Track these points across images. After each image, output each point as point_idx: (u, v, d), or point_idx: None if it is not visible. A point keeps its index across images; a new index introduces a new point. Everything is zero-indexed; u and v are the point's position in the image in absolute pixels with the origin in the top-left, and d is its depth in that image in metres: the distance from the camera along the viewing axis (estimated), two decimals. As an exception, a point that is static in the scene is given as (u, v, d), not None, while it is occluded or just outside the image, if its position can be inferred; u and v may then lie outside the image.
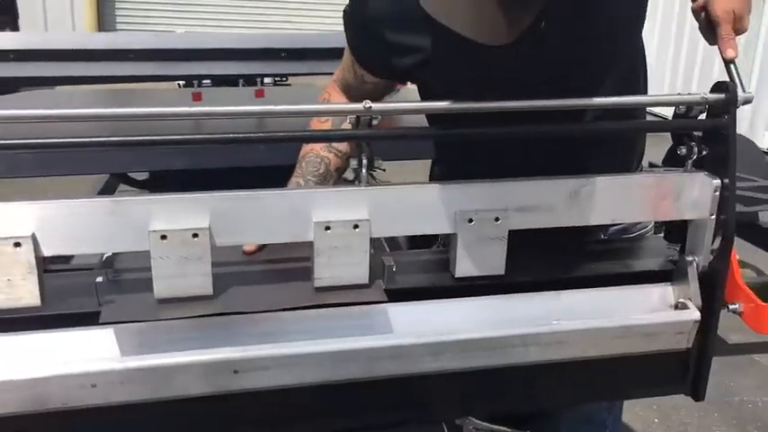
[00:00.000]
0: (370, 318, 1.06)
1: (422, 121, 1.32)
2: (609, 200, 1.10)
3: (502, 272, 1.10)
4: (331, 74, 1.48)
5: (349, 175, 1.21)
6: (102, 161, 1.81)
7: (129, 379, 0.97)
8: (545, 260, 1.20)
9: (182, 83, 4.17)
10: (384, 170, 1.20)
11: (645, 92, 1.40)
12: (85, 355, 0.97)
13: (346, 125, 1.08)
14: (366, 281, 1.06)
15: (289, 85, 5.60)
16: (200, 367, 0.99)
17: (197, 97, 2.59)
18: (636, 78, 1.37)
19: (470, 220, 1.07)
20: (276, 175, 1.67)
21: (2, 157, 1.55)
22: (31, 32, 7.43)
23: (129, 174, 2.45)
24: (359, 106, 1.01)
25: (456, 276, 1.09)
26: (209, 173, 1.68)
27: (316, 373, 1.03)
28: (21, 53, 2.22)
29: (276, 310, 1.03)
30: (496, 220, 1.07)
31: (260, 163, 1.58)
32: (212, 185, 1.63)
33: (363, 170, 1.03)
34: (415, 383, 1.08)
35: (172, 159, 1.75)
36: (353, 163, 1.04)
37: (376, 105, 1.01)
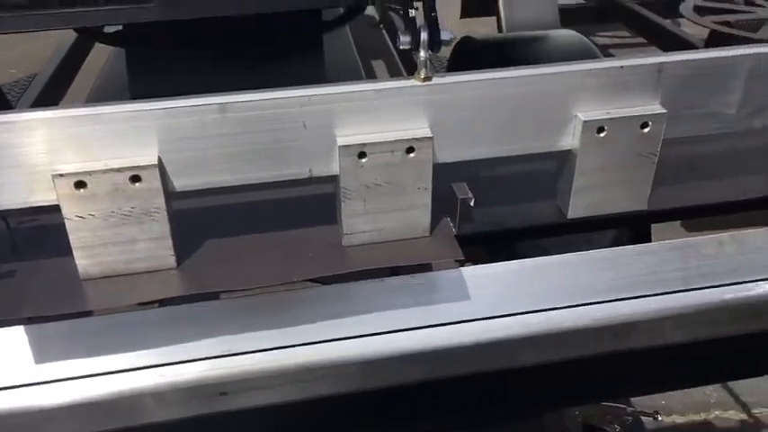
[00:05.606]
0: (434, 291, 0.66)
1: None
2: None
3: (645, 206, 0.69)
4: None
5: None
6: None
7: (58, 414, 0.59)
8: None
9: None
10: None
11: None
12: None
13: None
14: (427, 233, 0.65)
15: None
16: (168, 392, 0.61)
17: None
18: None
19: (600, 129, 0.64)
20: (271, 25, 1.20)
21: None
22: None
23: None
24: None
25: (569, 217, 0.68)
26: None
27: (346, 384, 0.65)
28: None
29: (279, 286, 0.64)
30: (643, 127, 0.64)
31: (243, 12, 1.10)
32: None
33: (422, 52, 0.58)
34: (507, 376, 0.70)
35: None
36: (404, 41, 0.59)
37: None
